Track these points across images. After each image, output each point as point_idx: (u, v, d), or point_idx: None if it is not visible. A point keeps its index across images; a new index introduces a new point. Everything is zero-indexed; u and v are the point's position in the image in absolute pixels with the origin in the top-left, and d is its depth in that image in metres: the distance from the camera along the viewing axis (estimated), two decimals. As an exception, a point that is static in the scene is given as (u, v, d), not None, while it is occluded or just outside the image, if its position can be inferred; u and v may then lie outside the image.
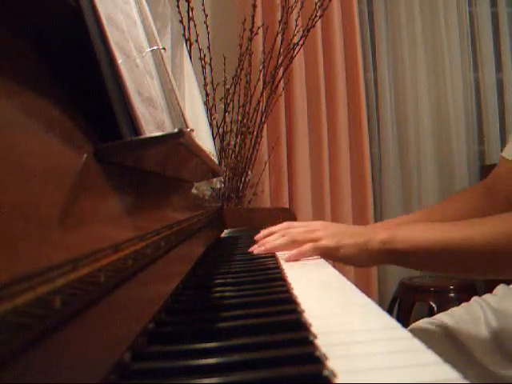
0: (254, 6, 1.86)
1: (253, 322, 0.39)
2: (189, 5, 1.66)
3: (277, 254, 0.78)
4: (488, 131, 2.48)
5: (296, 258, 0.73)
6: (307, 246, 0.73)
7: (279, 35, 1.94)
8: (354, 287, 0.52)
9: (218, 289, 0.53)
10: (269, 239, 0.81)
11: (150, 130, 0.46)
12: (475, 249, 0.65)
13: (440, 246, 0.68)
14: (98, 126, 0.42)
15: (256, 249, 0.80)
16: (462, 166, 2.42)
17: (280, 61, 1.92)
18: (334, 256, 0.73)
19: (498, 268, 0.67)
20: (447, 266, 0.72)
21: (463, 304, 0.89)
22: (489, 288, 0.91)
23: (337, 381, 0.27)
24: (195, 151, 0.55)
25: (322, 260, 0.73)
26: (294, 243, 0.76)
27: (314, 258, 0.75)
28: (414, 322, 0.89)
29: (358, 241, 0.72)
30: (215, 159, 1.23)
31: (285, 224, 0.88)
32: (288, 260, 0.72)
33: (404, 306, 2.04)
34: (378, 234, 0.72)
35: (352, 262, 0.74)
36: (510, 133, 2.33)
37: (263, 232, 0.89)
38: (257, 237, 0.88)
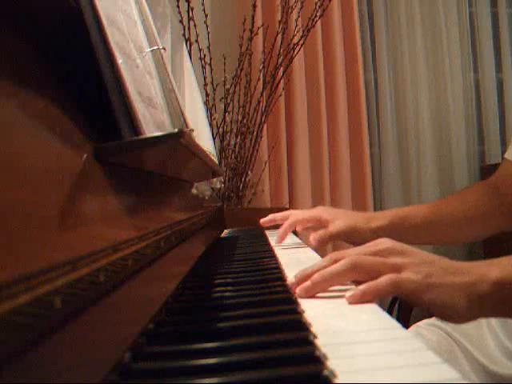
0: (254, 6, 1.86)
1: (253, 322, 0.39)
2: (189, 5, 1.66)
3: (278, 254, 0.78)
4: (488, 131, 2.48)
5: (365, 299, 0.46)
6: (384, 280, 0.46)
7: (279, 35, 1.94)
8: (353, 287, 0.52)
9: (218, 289, 0.53)
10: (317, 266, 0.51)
11: (150, 130, 0.46)
12: None
13: None
14: (98, 125, 0.42)
15: (302, 288, 0.49)
16: (461, 166, 2.42)
17: (280, 61, 1.92)
18: (417, 298, 0.47)
19: None
20: None
21: (464, 304, 0.89)
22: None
23: (337, 381, 0.27)
24: (195, 151, 0.55)
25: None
26: (355, 270, 0.49)
27: (309, 255, 0.74)
28: (414, 322, 0.89)
29: (461, 280, 0.48)
30: (215, 159, 1.23)
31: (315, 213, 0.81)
32: (353, 301, 0.46)
33: (404, 307, 2.04)
34: (489, 271, 0.49)
35: (447, 311, 0.48)
36: None
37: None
38: (263, 221, 0.82)
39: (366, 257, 0.50)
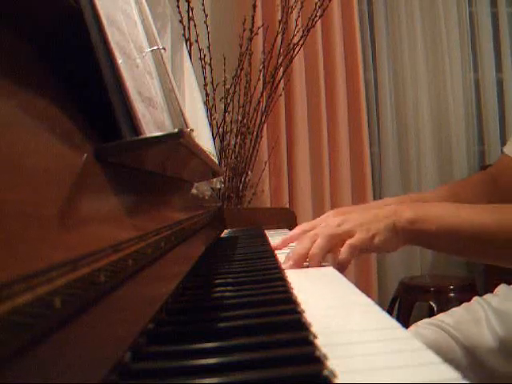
0: (254, 6, 1.86)
1: (253, 321, 0.39)
2: (189, 5, 1.66)
3: (277, 254, 0.78)
4: (488, 131, 2.48)
5: (344, 266, 0.66)
6: (345, 249, 0.67)
7: (279, 35, 1.94)
8: (354, 287, 0.52)
9: (218, 289, 0.53)
10: (298, 249, 0.69)
11: (150, 130, 0.46)
12: (509, 236, 0.63)
13: (471, 230, 0.65)
14: (98, 125, 0.42)
15: (288, 264, 0.68)
16: (462, 166, 2.42)
17: (280, 61, 1.92)
18: (369, 247, 0.67)
19: None
20: (477, 251, 0.68)
21: (464, 304, 0.89)
22: (489, 288, 0.91)
23: (337, 381, 0.27)
24: (195, 151, 0.55)
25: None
26: (330, 242, 0.68)
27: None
28: (414, 322, 0.89)
29: (387, 223, 0.67)
30: (215, 159, 1.23)
31: (297, 230, 0.83)
32: (342, 269, 0.65)
33: (404, 306, 2.04)
34: (403, 212, 0.68)
35: (386, 247, 0.68)
36: None
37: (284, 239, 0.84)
38: (276, 245, 0.84)
39: (331, 233, 0.69)
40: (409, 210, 0.68)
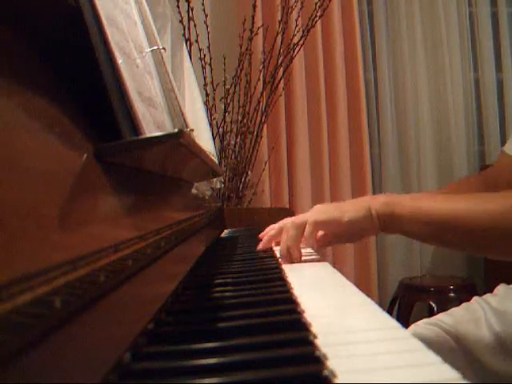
0: (254, 6, 1.86)
1: (253, 321, 0.39)
2: (189, 5, 1.66)
3: (276, 253, 0.78)
4: (488, 131, 2.48)
5: (310, 243, 0.72)
6: (308, 227, 0.71)
7: (279, 35, 1.94)
8: (353, 287, 0.52)
9: (218, 289, 0.53)
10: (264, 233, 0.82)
11: (150, 130, 0.46)
12: (478, 222, 0.62)
13: (442, 214, 0.65)
14: (98, 126, 0.42)
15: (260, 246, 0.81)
16: (461, 166, 2.42)
17: (280, 61, 1.92)
18: (338, 225, 0.70)
19: (496, 245, 0.64)
20: (448, 236, 0.68)
21: (463, 304, 0.89)
22: (489, 288, 0.91)
23: (337, 381, 0.27)
24: (195, 151, 0.55)
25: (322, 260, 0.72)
26: (300, 230, 0.72)
27: (313, 257, 0.75)
28: (414, 322, 0.89)
29: (361, 205, 0.71)
30: (215, 159, 1.23)
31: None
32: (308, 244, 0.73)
33: (404, 306, 2.04)
34: (379, 197, 0.73)
35: (358, 227, 0.70)
36: None
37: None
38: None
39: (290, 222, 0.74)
40: (384, 196, 0.73)
